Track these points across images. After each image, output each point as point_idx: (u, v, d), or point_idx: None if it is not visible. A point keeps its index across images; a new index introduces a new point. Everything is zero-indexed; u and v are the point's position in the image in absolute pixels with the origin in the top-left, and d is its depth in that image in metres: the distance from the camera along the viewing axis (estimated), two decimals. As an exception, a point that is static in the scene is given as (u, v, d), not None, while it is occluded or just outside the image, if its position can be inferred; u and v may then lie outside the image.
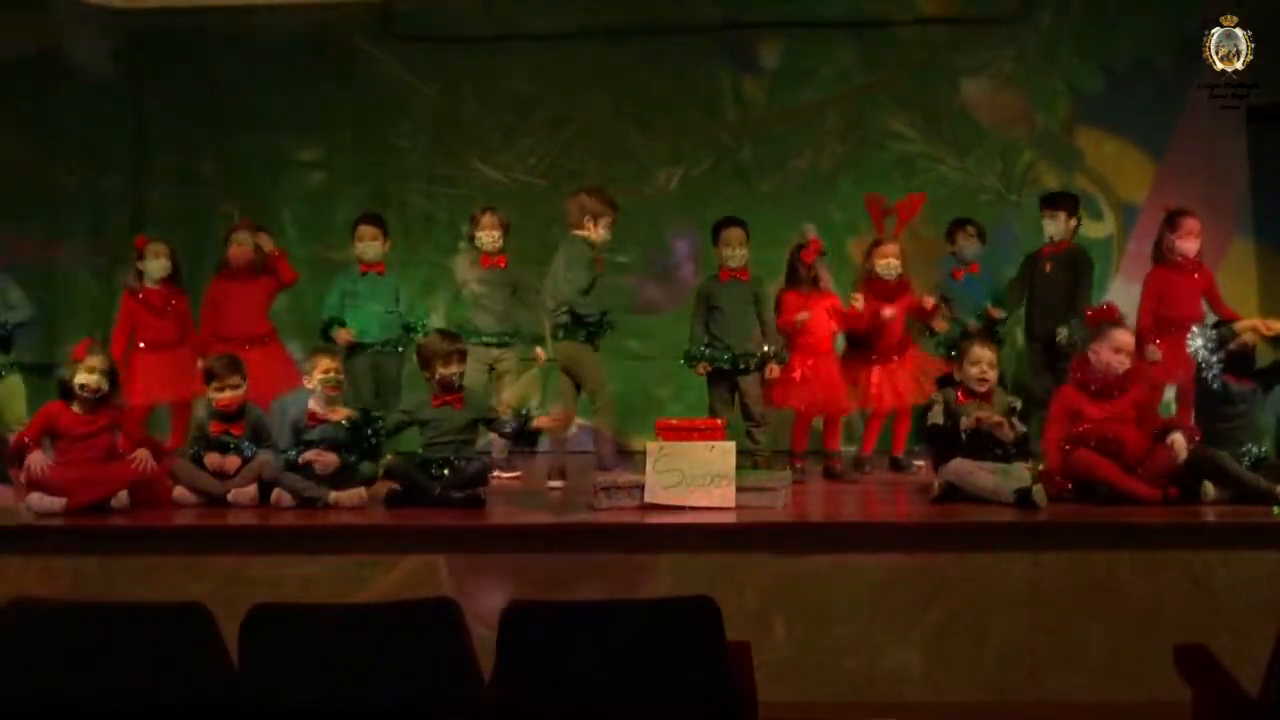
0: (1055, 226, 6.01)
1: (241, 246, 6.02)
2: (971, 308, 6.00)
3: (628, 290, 6.13)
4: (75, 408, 4.77)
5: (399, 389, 5.94)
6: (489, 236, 5.94)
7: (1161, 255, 5.89)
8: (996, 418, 4.79)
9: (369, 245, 6.06)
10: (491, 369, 5.88)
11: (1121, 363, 4.75)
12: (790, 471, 5.25)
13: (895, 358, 5.77)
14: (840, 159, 6.78)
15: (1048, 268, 6.00)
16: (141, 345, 5.94)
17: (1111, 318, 4.89)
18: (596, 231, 5.42)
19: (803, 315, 5.53)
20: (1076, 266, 5.99)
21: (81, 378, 4.78)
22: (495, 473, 5.62)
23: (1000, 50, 6.67)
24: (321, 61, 7.00)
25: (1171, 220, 5.86)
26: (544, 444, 5.60)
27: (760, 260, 5.75)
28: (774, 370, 5.53)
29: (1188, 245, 5.79)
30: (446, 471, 4.73)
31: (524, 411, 5.09)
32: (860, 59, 6.70)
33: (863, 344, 5.76)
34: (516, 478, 5.75)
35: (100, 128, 7.09)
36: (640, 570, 4.15)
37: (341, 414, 4.86)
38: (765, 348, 5.55)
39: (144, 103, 7.15)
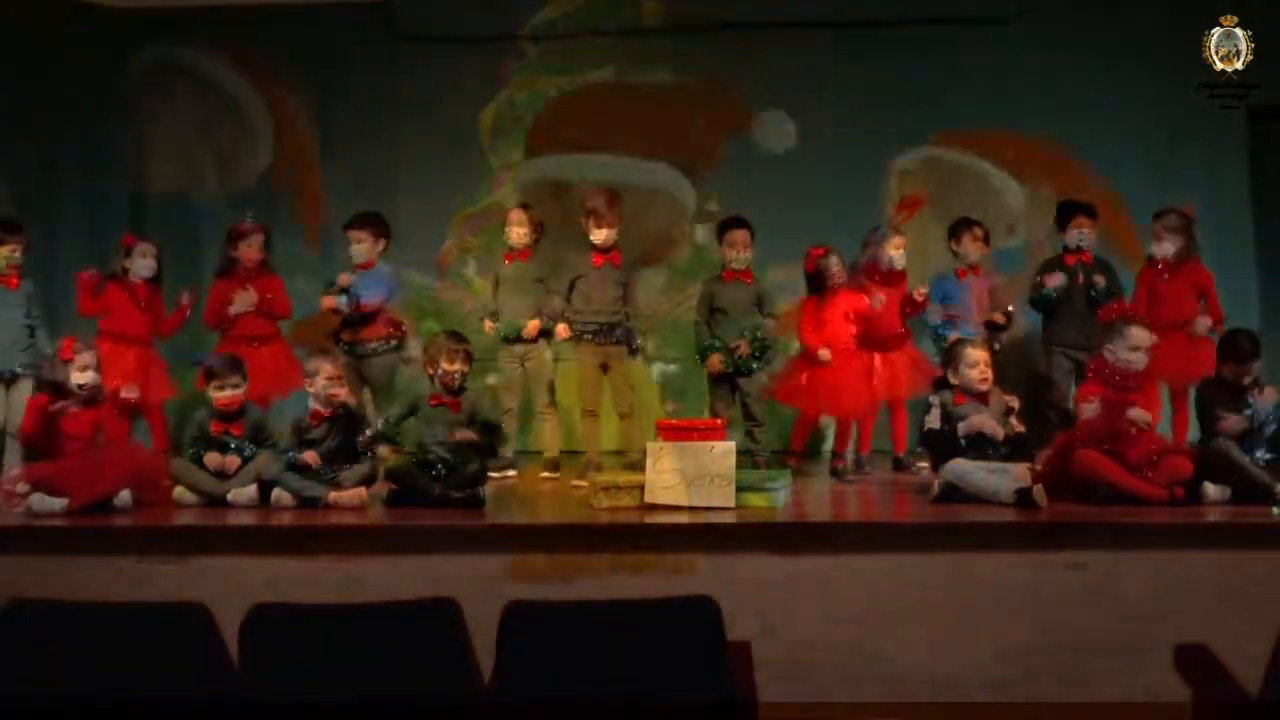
0: (1086, 236, 6.02)
1: (252, 246, 6.00)
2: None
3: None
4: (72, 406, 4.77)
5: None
6: (516, 233, 5.97)
7: (1145, 258, 5.90)
8: (997, 425, 4.80)
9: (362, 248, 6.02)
10: (523, 364, 5.90)
11: (1140, 359, 4.76)
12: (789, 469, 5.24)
13: (894, 349, 5.75)
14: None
15: (1080, 276, 5.96)
16: (108, 333, 5.76)
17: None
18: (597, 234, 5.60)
19: (825, 353, 5.46)
20: (1110, 272, 6.03)
21: (78, 376, 4.78)
22: (506, 472, 5.65)
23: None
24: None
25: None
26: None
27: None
28: (743, 348, 5.51)
29: (1159, 248, 5.80)
30: (443, 470, 4.73)
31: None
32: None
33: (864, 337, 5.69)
34: (515, 477, 5.75)
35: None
36: (640, 570, 4.15)
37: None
38: (757, 331, 5.56)
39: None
